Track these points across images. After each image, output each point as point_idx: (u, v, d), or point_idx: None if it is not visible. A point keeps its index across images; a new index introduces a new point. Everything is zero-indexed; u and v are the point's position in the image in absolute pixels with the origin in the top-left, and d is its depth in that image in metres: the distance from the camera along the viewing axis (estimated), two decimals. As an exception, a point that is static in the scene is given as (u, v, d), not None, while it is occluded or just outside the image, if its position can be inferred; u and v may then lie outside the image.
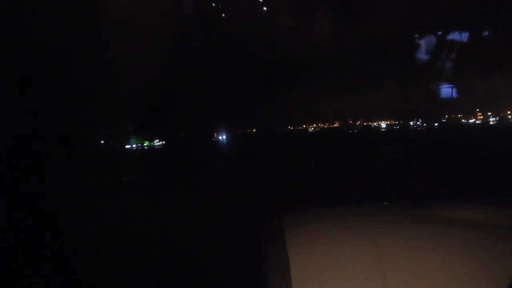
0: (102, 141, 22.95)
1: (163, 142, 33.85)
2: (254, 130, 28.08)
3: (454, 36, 19.08)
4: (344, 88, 21.68)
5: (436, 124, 24.98)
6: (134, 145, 34.77)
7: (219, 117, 25.60)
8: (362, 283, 1.41)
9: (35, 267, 5.97)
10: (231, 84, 21.41)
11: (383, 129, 25.49)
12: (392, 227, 1.61)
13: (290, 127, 27.09)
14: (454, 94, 20.20)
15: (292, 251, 1.50)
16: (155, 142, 36.37)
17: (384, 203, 1.99)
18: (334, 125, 26.95)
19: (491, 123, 23.23)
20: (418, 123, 25.45)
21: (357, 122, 26.54)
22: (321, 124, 26.89)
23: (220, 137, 28.58)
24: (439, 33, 19.28)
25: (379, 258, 1.45)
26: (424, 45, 19.60)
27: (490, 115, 23.32)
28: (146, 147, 34.62)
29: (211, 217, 7.93)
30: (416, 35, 19.48)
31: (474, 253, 1.49)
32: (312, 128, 26.99)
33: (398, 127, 25.23)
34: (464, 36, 19.00)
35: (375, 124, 26.37)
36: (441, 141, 18.87)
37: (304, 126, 27.07)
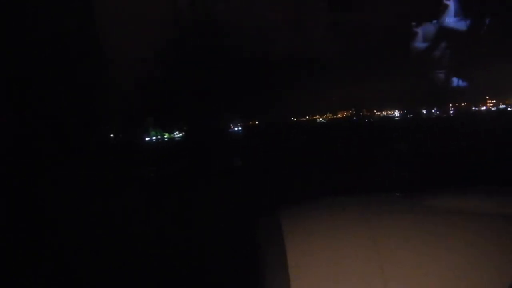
0: (111, 135, 22.84)
1: (183, 134, 33.84)
2: (256, 122, 27.71)
3: (459, 23, 18.60)
4: (349, 78, 21.22)
5: (451, 112, 24.38)
6: (154, 138, 34.80)
7: (227, 110, 25.43)
8: (360, 274, 1.39)
9: (35, 267, 5.82)
10: (235, 77, 21.20)
11: (397, 118, 24.90)
12: (389, 218, 1.59)
13: (294, 118, 26.53)
14: (461, 82, 19.72)
15: (289, 244, 1.46)
16: (175, 134, 36.34)
17: (381, 194, 1.92)
18: (341, 115, 26.32)
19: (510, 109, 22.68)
20: (433, 111, 24.82)
21: (373, 111, 25.99)
22: (327, 114, 26.29)
23: (236, 129, 28.37)
24: (445, 20, 18.78)
25: (377, 249, 1.43)
26: (430, 33, 19.12)
27: (494, 103, 22.74)
28: (166, 139, 34.62)
29: (216, 215, 7.80)
30: (422, 23, 18.99)
31: (472, 242, 1.47)
32: (321, 119, 26.37)
33: (412, 115, 24.59)
34: (469, 23, 18.52)
35: (385, 113, 25.76)
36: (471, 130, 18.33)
37: (307, 117, 26.46)
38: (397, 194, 1.89)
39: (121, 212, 8.24)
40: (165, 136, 35.86)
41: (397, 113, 24.55)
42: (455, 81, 19.71)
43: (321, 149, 16.39)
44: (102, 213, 8.10)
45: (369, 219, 1.55)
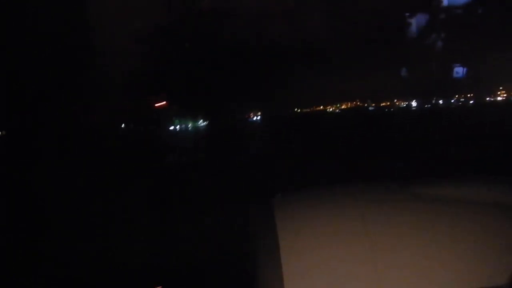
0: (122, 125, 22.56)
1: (207, 123, 33.75)
2: (259, 113, 27.41)
3: (466, 11, 17.87)
4: (358, 68, 20.62)
5: (471, 102, 23.62)
6: (177, 126, 34.64)
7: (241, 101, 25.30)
8: (352, 262, 1.36)
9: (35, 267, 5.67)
10: (240, 68, 20.97)
11: (413, 108, 24.18)
12: (381, 206, 1.56)
13: (297, 109, 25.89)
14: (468, 73, 19.08)
15: (282, 232, 1.44)
16: (199, 122, 36.21)
17: (375, 183, 1.91)
18: (346, 106, 25.54)
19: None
20: (452, 101, 24.07)
21: (393, 101, 25.25)
22: (337, 105, 25.51)
23: (255, 118, 28.15)
24: (451, 8, 18.02)
25: (369, 237, 1.39)
26: (435, 21, 18.39)
27: (505, 93, 22.06)
28: (190, 128, 34.47)
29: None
30: (427, 11, 18.29)
31: (468, 231, 1.43)
32: (331, 109, 25.65)
33: (429, 105, 23.83)
34: (477, 11, 17.83)
35: (402, 103, 25.00)
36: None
37: (310, 108, 25.70)
38: (391, 183, 1.84)
39: (122, 211, 8.07)
40: (189, 125, 35.75)
41: (414, 103, 23.81)
42: (462, 71, 18.99)
43: (340, 141, 16.10)
44: (103, 212, 7.93)
45: (361, 208, 1.52)
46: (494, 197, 1.60)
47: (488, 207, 1.53)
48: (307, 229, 1.48)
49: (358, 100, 24.93)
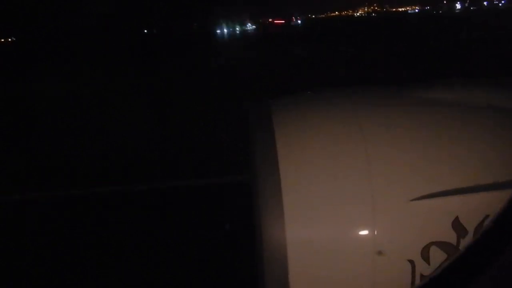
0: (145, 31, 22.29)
1: (254, 27, 33.10)
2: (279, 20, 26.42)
3: None
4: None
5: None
6: (225, 30, 33.99)
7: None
8: (347, 164, 1.35)
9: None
10: None
11: (457, 10, 22.78)
12: (377, 109, 1.52)
13: (312, 15, 24.82)
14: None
15: (279, 134, 1.41)
16: (247, 26, 35.42)
17: (371, 86, 1.85)
18: (362, 11, 24.17)
19: None
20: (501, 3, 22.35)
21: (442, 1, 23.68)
22: (370, 7, 24.18)
23: (298, 22, 27.52)
24: None
25: (365, 139, 1.36)
26: None
27: None
28: (238, 31, 33.82)
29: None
30: None
31: (462, 134, 1.41)
32: (360, 13, 24.44)
33: (474, 7, 22.32)
34: None
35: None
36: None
37: (325, 14, 24.45)
38: (394, 87, 1.77)
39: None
40: (237, 28, 35.06)
41: (458, 5, 22.38)
42: None
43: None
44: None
45: (356, 109, 1.49)
46: (491, 100, 1.55)
47: (485, 110, 1.50)
48: (303, 130, 1.46)
49: (376, 5, 23.60)
